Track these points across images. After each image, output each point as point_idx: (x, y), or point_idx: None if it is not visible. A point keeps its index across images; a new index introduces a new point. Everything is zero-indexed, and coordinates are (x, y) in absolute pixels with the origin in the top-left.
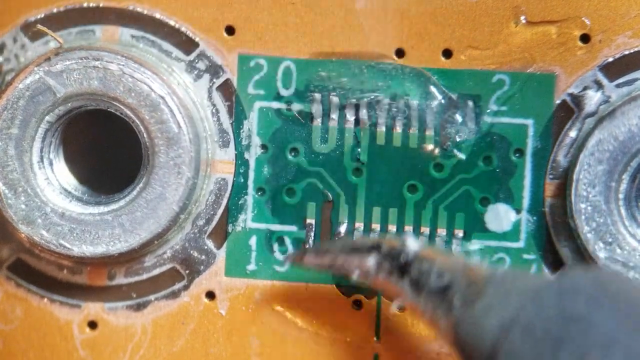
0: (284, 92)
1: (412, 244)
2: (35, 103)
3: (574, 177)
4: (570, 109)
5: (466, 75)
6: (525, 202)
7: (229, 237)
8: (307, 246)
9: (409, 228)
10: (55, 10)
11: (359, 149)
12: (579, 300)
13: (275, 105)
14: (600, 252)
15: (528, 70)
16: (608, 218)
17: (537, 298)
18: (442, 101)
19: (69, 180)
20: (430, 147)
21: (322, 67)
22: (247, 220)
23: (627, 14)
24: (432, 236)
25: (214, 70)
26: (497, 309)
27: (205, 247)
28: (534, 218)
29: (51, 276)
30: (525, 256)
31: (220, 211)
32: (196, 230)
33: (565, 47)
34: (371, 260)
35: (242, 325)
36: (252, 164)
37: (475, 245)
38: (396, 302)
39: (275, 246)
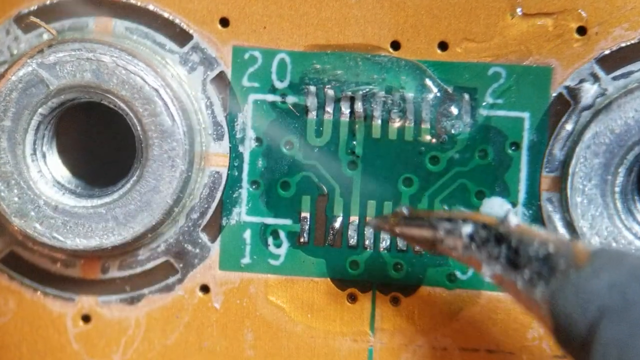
0: (278, 85)
1: (514, 218)
2: (28, 95)
3: (570, 170)
4: (566, 102)
5: (462, 67)
6: (521, 195)
7: (223, 230)
8: (398, 212)
9: None
10: (48, 2)
11: (354, 142)
12: None
13: (270, 98)
14: None
15: (524, 63)
16: (604, 211)
17: None
18: (438, 94)
19: (62, 173)
20: (427, 137)
21: (317, 60)
22: (241, 213)
23: (623, 6)
24: None
25: (208, 62)
26: (608, 270)
27: (200, 241)
28: (530, 211)
29: (44, 269)
30: None
31: (214, 204)
32: (190, 224)
33: (562, 39)
34: (467, 228)
35: (236, 318)
36: (246, 157)
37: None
38: (485, 271)
39: (270, 240)
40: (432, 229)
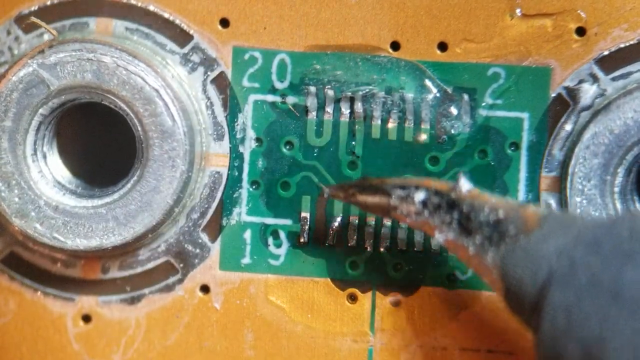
0: (278, 85)
1: (466, 184)
2: (29, 96)
3: (570, 170)
4: (565, 102)
5: (461, 68)
6: (521, 195)
7: (223, 230)
8: (352, 181)
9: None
10: (49, 3)
11: (354, 143)
12: None
13: (270, 98)
14: None
15: (523, 64)
16: (603, 212)
17: (609, 222)
18: (438, 94)
19: (63, 173)
20: (423, 136)
21: (317, 60)
22: (241, 213)
23: (622, 6)
24: None
25: (209, 63)
26: (556, 235)
27: (200, 241)
28: None
29: (45, 269)
30: None
31: (214, 204)
32: (190, 224)
33: (561, 40)
34: (420, 195)
35: (236, 319)
36: (246, 157)
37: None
38: (438, 237)
39: (270, 240)
40: (386, 196)
